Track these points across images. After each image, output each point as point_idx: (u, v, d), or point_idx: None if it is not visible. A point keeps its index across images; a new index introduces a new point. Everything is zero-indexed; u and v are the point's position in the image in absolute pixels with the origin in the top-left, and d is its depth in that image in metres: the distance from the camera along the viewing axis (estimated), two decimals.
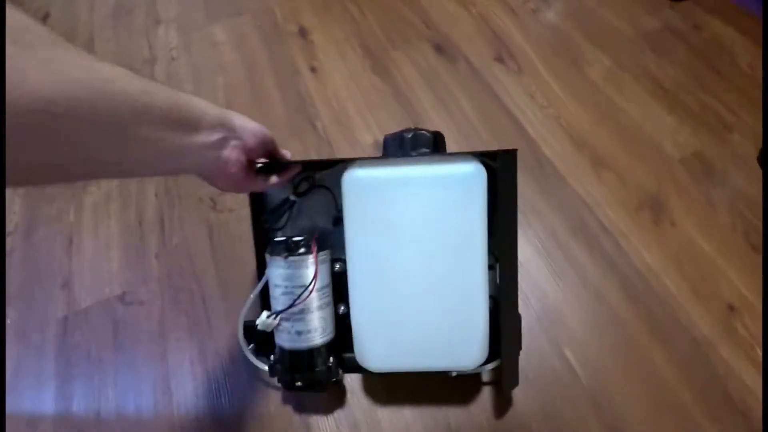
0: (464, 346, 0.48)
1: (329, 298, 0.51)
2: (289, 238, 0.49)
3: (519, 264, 0.60)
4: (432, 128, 0.68)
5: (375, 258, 0.47)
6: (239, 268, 0.67)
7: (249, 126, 0.40)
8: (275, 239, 0.51)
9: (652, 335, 0.56)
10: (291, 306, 0.47)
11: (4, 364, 0.62)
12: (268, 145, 0.43)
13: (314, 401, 0.56)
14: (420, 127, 0.57)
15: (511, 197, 0.45)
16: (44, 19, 1.24)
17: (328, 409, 0.56)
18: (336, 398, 0.56)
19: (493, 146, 0.73)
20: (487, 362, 0.50)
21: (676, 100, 0.75)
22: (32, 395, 0.61)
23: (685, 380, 0.53)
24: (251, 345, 0.54)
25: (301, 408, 0.56)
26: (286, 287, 0.48)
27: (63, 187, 0.83)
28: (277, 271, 0.48)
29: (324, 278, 0.49)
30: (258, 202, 0.53)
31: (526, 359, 0.55)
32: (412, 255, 0.46)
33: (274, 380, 0.56)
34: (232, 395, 0.58)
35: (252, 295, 0.52)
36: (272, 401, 0.57)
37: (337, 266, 0.52)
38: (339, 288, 0.51)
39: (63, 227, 0.77)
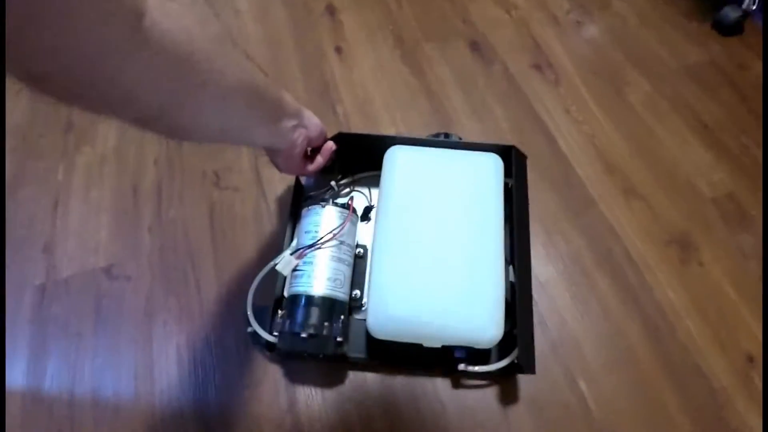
0: (480, 315, 0.48)
1: (350, 261, 0.54)
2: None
3: (540, 284, 0.60)
4: (461, 130, 0.70)
5: (402, 225, 0.52)
6: (238, 254, 0.64)
7: (314, 120, 0.51)
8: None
9: (668, 379, 0.55)
10: (316, 243, 0.51)
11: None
12: (324, 137, 0.55)
13: (310, 398, 0.54)
14: (448, 131, 0.64)
15: (522, 187, 0.58)
16: None
17: (325, 408, 0.53)
18: (337, 387, 0.54)
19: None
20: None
21: (714, 138, 0.75)
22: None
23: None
24: (251, 329, 0.52)
25: (294, 404, 0.54)
26: (316, 232, 0.52)
27: (53, 144, 0.79)
28: (312, 218, 0.54)
29: (349, 238, 0.55)
30: (300, 185, 0.63)
31: (538, 385, 0.54)
32: (436, 225, 0.52)
33: (267, 376, 0.54)
34: (220, 389, 0.55)
35: (263, 272, 0.54)
36: (264, 398, 0.54)
37: (359, 251, 0.57)
38: (357, 273, 0.56)
39: (50, 187, 0.73)
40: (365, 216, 0.61)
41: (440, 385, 0.55)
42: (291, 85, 0.84)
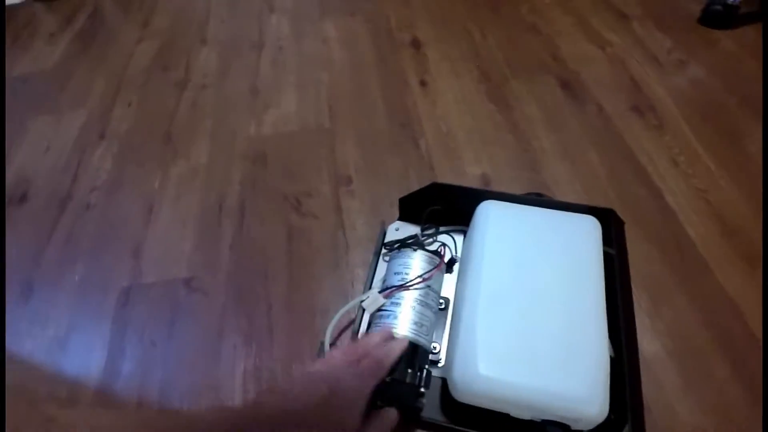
0: (582, 387, 0.39)
1: (436, 308, 0.49)
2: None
3: (643, 361, 0.49)
4: (551, 173, 0.66)
5: (494, 281, 0.46)
6: (311, 283, 0.59)
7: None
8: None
9: None
10: (405, 284, 0.47)
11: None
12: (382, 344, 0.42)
13: None
14: (537, 173, 0.61)
15: (622, 254, 0.51)
16: None
17: None
18: None
19: (622, 210, 0.61)
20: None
21: None
22: (81, 359, 0.56)
23: None
24: None
25: None
26: (406, 274, 0.48)
27: (154, 153, 0.80)
28: (403, 259, 0.50)
29: (436, 285, 0.49)
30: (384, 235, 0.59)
31: None
32: (530, 285, 0.45)
33: None
34: None
35: (346, 307, 0.48)
36: None
37: (441, 303, 0.51)
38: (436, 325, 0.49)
39: (146, 192, 0.73)
40: (449, 268, 0.55)
41: None
42: (372, 113, 0.80)
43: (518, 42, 0.91)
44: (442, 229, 0.57)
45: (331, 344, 0.48)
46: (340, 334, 0.52)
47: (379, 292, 0.47)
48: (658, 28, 0.89)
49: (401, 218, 0.61)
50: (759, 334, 0.50)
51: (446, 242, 0.56)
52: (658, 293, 0.54)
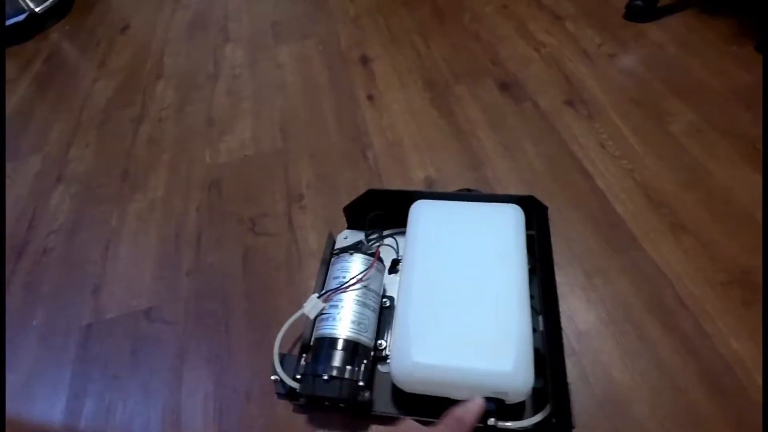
0: (506, 362, 0.44)
1: (375, 307, 0.53)
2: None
3: (579, 333, 0.54)
4: (492, 170, 0.73)
5: (425, 275, 0.51)
6: (267, 299, 0.64)
7: None
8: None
9: None
10: (342, 286, 0.52)
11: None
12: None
13: None
14: (480, 171, 0.66)
15: (543, 237, 0.56)
16: (123, 29, 1.34)
17: None
18: None
19: (558, 195, 0.68)
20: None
21: None
22: (44, 403, 0.60)
23: None
24: (275, 376, 0.51)
25: None
26: (343, 277, 0.53)
27: (111, 191, 0.85)
28: (341, 264, 0.54)
29: (375, 285, 0.54)
30: (332, 237, 0.64)
31: None
32: (458, 275, 0.50)
33: (289, 429, 0.52)
34: None
35: (291, 318, 0.52)
36: None
37: (385, 301, 0.57)
38: (383, 323, 0.55)
39: (104, 231, 0.78)
40: (393, 269, 0.61)
41: None
42: (325, 131, 0.87)
43: (460, 50, 1.00)
44: (386, 232, 0.63)
45: (284, 355, 0.52)
46: (293, 346, 0.57)
47: (318, 297, 0.52)
48: (589, 25, 0.99)
49: (349, 227, 0.67)
50: (686, 297, 0.56)
51: (392, 244, 0.61)
52: (591, 268, 0.60)
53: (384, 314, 0.56)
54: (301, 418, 0.53)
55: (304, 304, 0.52)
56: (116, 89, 1.11)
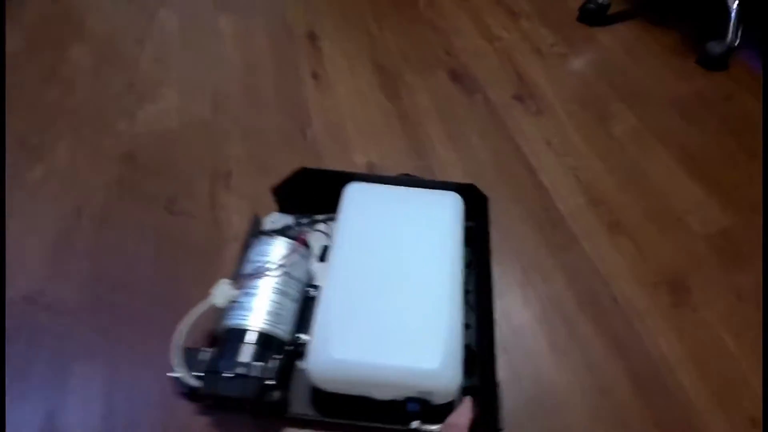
0: (432, 360, 0.41)
1: (296, 297, 0.48)
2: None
3: (513, 331, 0.53)
4: (436, 160, 0.71)
5: (353, 264, 0.47)
6: (181, 286, 0.57)
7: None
8: None
9: None
10: (257, 272, 0.46)
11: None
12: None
13: None
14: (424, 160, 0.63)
15: (482, 229, 0.54)
16: None
17: None
18: None
19: (501, 188, 0.66)
20: None
21: (704, 171, 0.70)
22: None
23: None
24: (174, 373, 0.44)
25: None
26: (260, 262, 0.47)
27: (8, 160, 0.74)
28: (260, 248, 0.49)
29: (298, 272, 0.49)
30: (258, 219, 0.59)
31: None
32: (389, 265, 0.47)
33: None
34: None
35: (199, 309, 0.45)
36: None
37: (310, 291, 0.51)
38: (305, 315, 0.48)
39: None
40: (324, 256, 0.56)
41: None
42: (263, 107, 0.80)
43: (414, 37, 0.97)
44: (319, 217, 0.59)
45: (196, 350, 0.46)
46: (209, 340, 0.51)
47: (229, 284, 0.46)
48: (544, 24, 0.99)
49: (280, 210, 0.61)
50: (619, 294, 0.56)
51: (326, 231, 0.57)
52: (529, 265, 0.59)
53: (311, 306, 0.51)
54: (202, 421, 0.47)
55: (212, 291, 0.46)
56: (27, 47, 0.98)
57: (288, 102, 0.81)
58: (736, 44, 0.83)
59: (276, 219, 0.60)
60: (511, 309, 0.55)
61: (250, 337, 0.43)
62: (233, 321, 0.44)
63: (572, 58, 0.91)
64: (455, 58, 0.91)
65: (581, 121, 0.76)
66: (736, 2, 0.83)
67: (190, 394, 0.45)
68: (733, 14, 0.82)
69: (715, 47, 0.84)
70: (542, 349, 0.52)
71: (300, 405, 0.46)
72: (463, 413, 0.41)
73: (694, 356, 0.52)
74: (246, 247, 0.54)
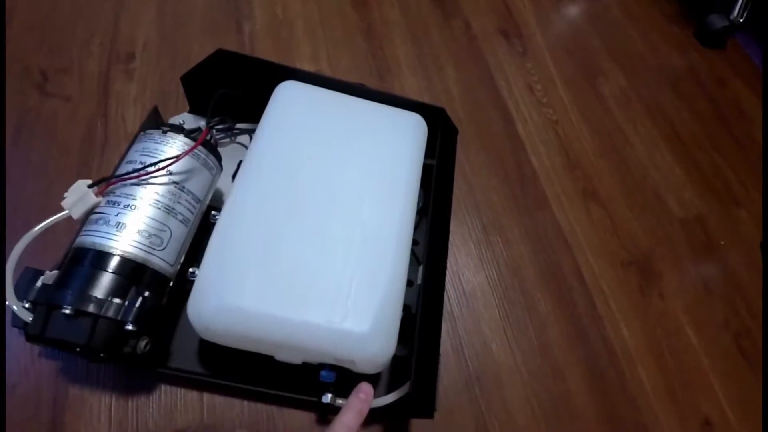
0: (360, 319, 0.31)
1: (188, 217, 0.36)
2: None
3: (463, 294, 0.44)
4: (399, 85, 0.59)
5: (270, 182, 0.35)
6: (42, 188, 0.43)
7: None
8: None
9: None
10: (130, 174, 0.33)
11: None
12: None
13: (87, 420, 0.34)
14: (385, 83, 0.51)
15: (446, 167, 0.44)
16: None
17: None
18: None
19: (470, 131, 0.57)
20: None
21: (688, 152, 0.64)
22: None
23: None
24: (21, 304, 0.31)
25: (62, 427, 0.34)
26: (140, 163, 0.35)
27: None
28: (144, 144, 0.36)
29: (196, 187, 0.37)
30: (157, 112, 0.45)
31: (441, 427, 0.39)
32: (318, 190, 0.36)
33: (28, 376, 0.34)
34: None
35: (49, 221, 0.32)
36: (16, 409, 0.34)
37: (213, 215, 0.38)
38: (201, 246, 0.35)
39: None
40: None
41: (297, 421, 0.38)
42: None
43: None
44: (243, 126, 0.46)
45: (35, 271, 0.33)
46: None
47: (89, 187, 0.33)
48: None
49: (192, 111, 0.48)
50: (586, 269, 0.50)
51: (246, 142, 0.45)
52: (491, 223, 0.50)
53: (205, 233, 0.39)
54: (49, 365, 0.35)
55: (65, 195, 0.33)
56: None
57: None
58: (740, 21, 0.77)
59: (186, 120, 0.46)
60: (464, 270, 0.47)
61: (110, 263, 0.31)
62: (89, 239, 0.32)
63: (568, 3, 0.81)
64: None
65: (568, 71, 0.68)
66: None
67: (22, 327, 0.33)
68: None
69: (716, 21, 0.78)
70: (493, 321, 0.45)
71: (185, 359, 0.35)
72: (358, 408, 0.31)
73: (655, 349, 0.47)
74: (131, 145, 0.40)
